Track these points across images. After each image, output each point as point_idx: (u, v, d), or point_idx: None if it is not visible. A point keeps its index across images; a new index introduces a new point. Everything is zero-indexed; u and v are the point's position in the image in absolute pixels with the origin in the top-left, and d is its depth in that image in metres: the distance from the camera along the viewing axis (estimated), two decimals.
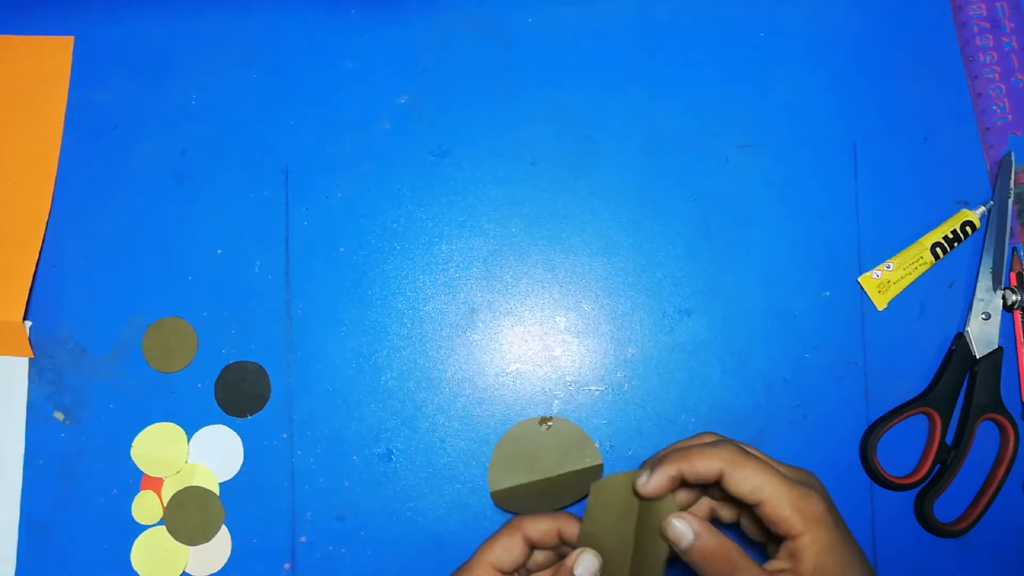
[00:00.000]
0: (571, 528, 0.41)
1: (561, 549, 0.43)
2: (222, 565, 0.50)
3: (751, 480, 0.38)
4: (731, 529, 0.45)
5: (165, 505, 0.50)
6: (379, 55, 0.53)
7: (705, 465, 0.38)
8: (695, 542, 0.37)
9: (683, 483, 0.39)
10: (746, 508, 0.40)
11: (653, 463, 0.40)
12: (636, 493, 0.39)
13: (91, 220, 0.52)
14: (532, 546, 0.42)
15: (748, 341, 0.51)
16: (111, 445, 0.50)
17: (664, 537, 0.38)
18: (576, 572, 0.39)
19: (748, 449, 0.41)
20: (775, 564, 0.38)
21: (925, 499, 0.50)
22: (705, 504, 0.44)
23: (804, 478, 0.40)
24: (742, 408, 0.51)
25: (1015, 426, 0.50)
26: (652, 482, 0.39)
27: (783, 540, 0.38)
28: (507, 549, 0.41)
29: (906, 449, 0.51)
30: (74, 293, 0.51)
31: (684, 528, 0.37)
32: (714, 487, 0.40)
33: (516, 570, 0.42)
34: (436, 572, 0.50)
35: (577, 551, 0.39)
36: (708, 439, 0.42)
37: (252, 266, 0.51)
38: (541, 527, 0.41)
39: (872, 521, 0.51)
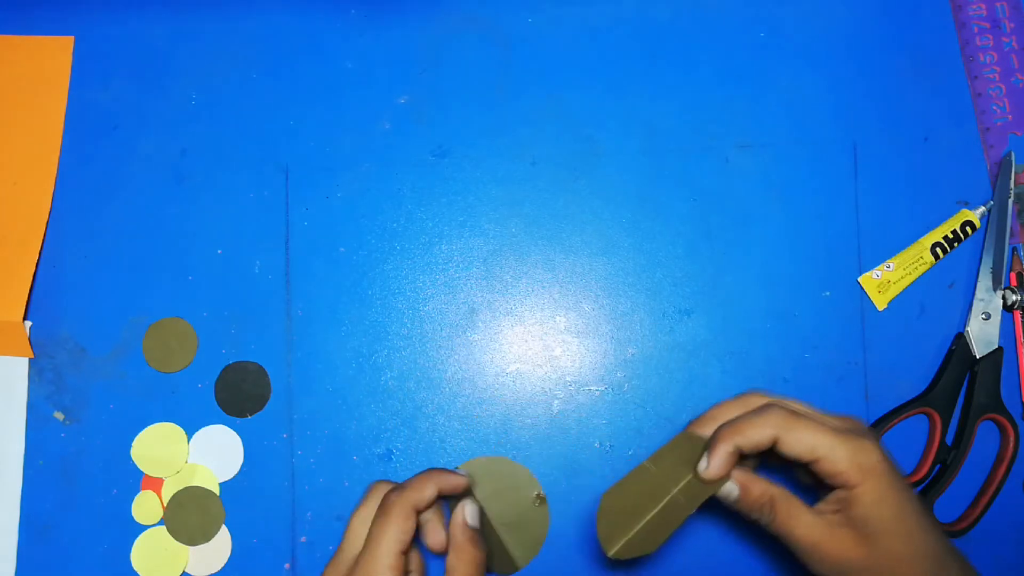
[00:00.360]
0: (444, 482, 0.42)
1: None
2: (222, 565, 0.50)
3: (805, 441, 0.38)
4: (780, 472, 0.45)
5: (165, 505, 0.50)
6: (379, 55, 0.53)
7: (759, 434, 0.39)
8: (741, 495, 0.39)
9: (742, 456, 0.40)
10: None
11: (707, 443, 0.40)
12: (697, 477, 0.40)
13: (91, 220, 0.52)
14: (419, 513, 0.42)
15: (748, 341, 0.51)
16: (111, 445, 0.50)
17: (725, 496, 0.40)
18: (471, 523, 0.42)
19: (794, 406, 0.41)
20: (825, 507, 0.39)
21: (925, 499, 0.50)
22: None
23: (855, 427, 0.40)
24: None
25: (1015, 426, 0.50)
26: (713, 468, 0.39)
27: (836, 488, 0.38)
28: (408, 530, 0.40)
29: (906, 449, 0.51)
30: (74, 293, 0.51)
31: (730, 485, 0.39)
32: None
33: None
34: (436, 572, 0.50)
35: (461, 503, 0.43)
36: (755, 401, 0.42)
37: (252, 266, 0.51)
38: (426, 496, 0.41)
39: None
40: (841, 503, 0.38)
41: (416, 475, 0.43)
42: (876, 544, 0.37)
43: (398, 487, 0.42)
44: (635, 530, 0.39)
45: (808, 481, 0.42)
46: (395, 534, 0.40)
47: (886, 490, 0.38)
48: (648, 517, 0.39)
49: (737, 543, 0.50)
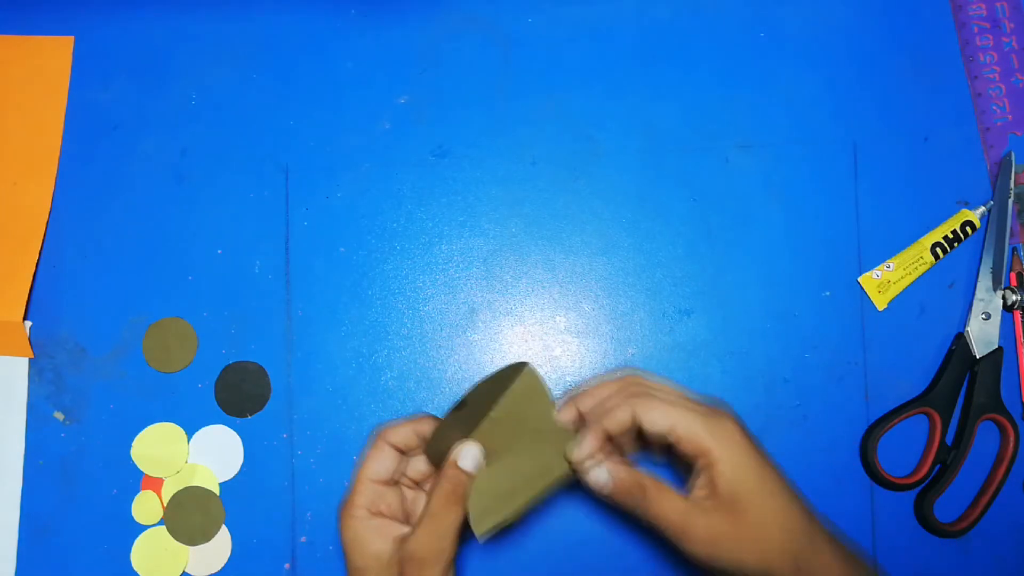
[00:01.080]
0: (426, 426, 0.42)
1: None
2: (222, 565, 0.50)
3: (662, 420, 0.39)
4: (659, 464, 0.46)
5: (165, 505, 0.50)
6: (379, 55, 0.53)
7: (622, 415, 0.40)
8: (612, 483, 0.39)
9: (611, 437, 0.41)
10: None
11: (580, 430, 0.41)
12: (566, 458, 0.41)
13: (91, 220, 0.52)
14: (401, 452, 0.42)
15: (748, 341, 0.51)
16: (111, 445, 0.50)
17: (586, 482, 0.40)
18: (461, 464, 0.40)
19: (653, 386, 0.42)
20: (695, 491, 0.39)
21: (925, 499, 0.50)
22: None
23: (713, 405, 0.41)
24: (742, 408, 0.51)
25: (1015, 426, 0.50)
26: (584, 450, 0.40)
27: (702, 468, 0.39)
28: (379, 460, 0.41)
29: (906, 449, 0.51)
30: (74, 293, 0.51)
31: (601, 474, 0.40)
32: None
33: (394, 477, 0.42)
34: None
35: (459, 445, 0.41)
36: (624, 380, 0.42)
37: (252, 266, 0.51)
38: (401, 434, 0.42)
39: (872, 521, 0.51)
40: (707, 482, 0.39)
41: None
42: (742, 515, 0.38)
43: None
44: (504, 515, 0.40)
45: (668, 460, 0.43)
46: (369, 462, 0.41)
47: (745, 459, 0.39)
48: (519, 505, 0.40)
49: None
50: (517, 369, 0.42)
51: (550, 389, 0.42)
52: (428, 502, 0.40)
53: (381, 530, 0.40)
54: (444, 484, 0.40)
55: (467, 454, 0.40)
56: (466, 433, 0.41)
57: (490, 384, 0.42)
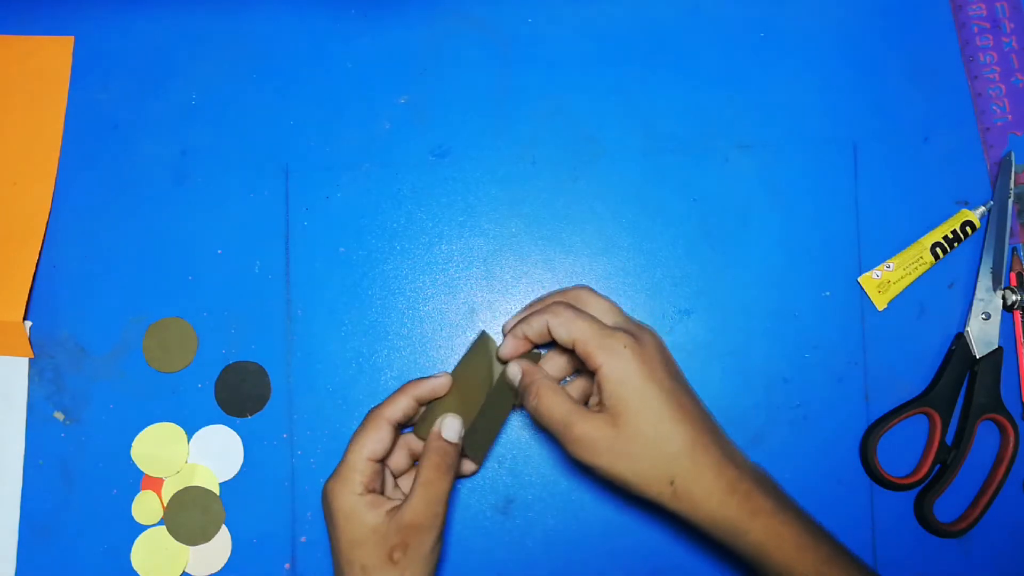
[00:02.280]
0: (422, 389, 0.44)
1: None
2: (222, 565, 0.50)
3: (566, 327, 0.41)
4: None
5: (165, 505, 0.50)
6: (379, 55, 0.53)
7: (538, 322, 0.43)
8: (522, 378, 0.43)
9: (532, 343, 0.44)
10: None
11: (508, 330, 0.45)
12: (497, 357, 0.46)
13: (91, 220, 0.52)
14: (398, 428, 0.44)
15: (748, 341, 0.51)
16: (111, 445, 0.50)
17: (507, 381, 0.44)
18: (445, 436, 0.43)
19: (583, 302, 0.45)
20: (590, 400, 0.42)
21: (925, 499, 0.50)
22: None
23: (626, 326, 0.43)
24: (742, 408, 0.51)
25: (1015, 426, 0.50)
26: (505, 348, 0.45)
27: (596, 379, 0.41)
28: (377, 441, 0.43)
29: (906, 449, 0.51)
30: (74, 293, 0.51)
31: (514, 368, 0.44)
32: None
33: (388, 455, 0.44)
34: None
35: (440, 417, 0.44)
36: (571, 294, 0.46)
37: (252, 266, 0.51)
38: (400, 406, 0.44)
39: (872, 521, 0.51)
40: (597, 391, 0.41)
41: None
42: (623, 423, 0.40)
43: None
44: (488, 445, 0.46)
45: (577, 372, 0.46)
46: (364, 441, 0.42)
47: (632, 375, 0.40)
48: (495, 432, 0.46)
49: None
50: (479, 339, 0.47)
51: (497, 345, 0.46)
52: (419, 472, 0.42)
53: (375, 505, 0.42)
54: (432, 455, 0.42)
55: (449, 426, 0.43)
56: (446, 405, 0.45)
57: (463, 361, 0.47)
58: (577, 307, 0.43)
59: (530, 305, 0.47)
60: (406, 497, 0.42)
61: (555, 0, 0.54)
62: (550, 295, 0.47)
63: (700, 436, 0.41)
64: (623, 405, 0.40)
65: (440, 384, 0.45)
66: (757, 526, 0.40)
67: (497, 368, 0.47)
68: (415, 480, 0.42)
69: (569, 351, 0.43)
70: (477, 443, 0.46)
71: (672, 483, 0.40)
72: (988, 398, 0.50)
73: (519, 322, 0.44)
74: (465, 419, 0.45)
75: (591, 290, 0.46)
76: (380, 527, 0.41)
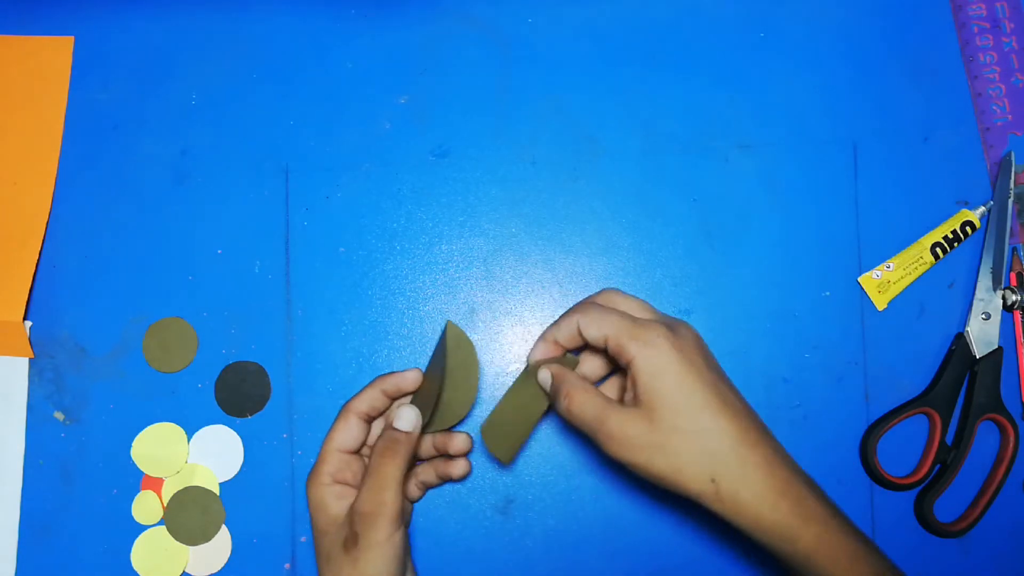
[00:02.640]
0: (387, 383, 0.44)
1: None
2: (222, 565, 0.50)
3: (597, 329, 0.40)
4: None
5: (165, 505, 0.50)
6: (379, 55, 0.53)
7: (568, 324, 0.41)
8: (552, 381, 0.41)
9: (564, 349, 0.43)
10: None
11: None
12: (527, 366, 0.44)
13: (91, 220, 0.52)
14: (367, 420, 0.44)
15: (748, 341, 0.51)
16: (111, 445, 0.50)
17: (542, 387, 0.42)
18: (397, 425, 0.42)
19: (612, 301, 0.43)
20: (622, 395, 0.41)
21: (925, 499, 0.50)
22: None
23: (661, 319, 0.41)
24: None
25: (1015, 426, 0.50)
26: (534, 353, 0.43)
27: (629, 373, 0.39)
28: (346, 431, 0.43)
29: (906, 449, 0.51)
30: (74, 293, 0.51)
31: (544, 373, 0.42)
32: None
33: (361, 447, 0.44)
34: (436, 572, 0.50)
35: (396, 405, 0.44)
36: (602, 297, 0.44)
37: (252, 266, 0.51)
38: (366, 399, 0.44)
39: (872, 521, 0.51)
40: (631, 385, 0.39)
41: None
42: (659, 418, 0.38)
43: None
44: (514, 441, 0.45)
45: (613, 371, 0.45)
46: (333, 434, 0.43)
47: (666, 365, 0.38)
48: (524, 431, 0.44)
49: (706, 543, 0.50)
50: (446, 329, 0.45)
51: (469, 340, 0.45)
52: (371, 458, 0.42)
53: (341, 495, 0.42)
54: (380, 443, 0.42)
55: (402, 415, 0.43)
56: (423, 397, 0.45)
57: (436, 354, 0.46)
58: (607, 306, 0.42)
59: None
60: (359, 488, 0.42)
61: (555, 0, 0.54)
62: (579, 303, 0.44)
63: (746, 432, 0.38)
64: (659, 398, 0.38)
65: (409, 379, 0.45)
66: (809, 534, 0.38)
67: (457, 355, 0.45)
68: (366, 470, 0.42)
69: (602, 352, 0.42)
70: (501, 440, 0.44)
71: (713, 481, 0.37)
72: (988, 398, 0.50)
73: (549, 327, 0.43)
74: (430, 409, 0.44)
75: (620, 291, 0.43)
76: (339, 517, 0.41)
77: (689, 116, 0.53)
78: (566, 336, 0.42)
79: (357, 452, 0.45)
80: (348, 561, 0.40)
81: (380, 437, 0.43)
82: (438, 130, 0.52)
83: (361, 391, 0.45)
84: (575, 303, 0.44)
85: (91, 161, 0.52)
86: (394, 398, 0.45)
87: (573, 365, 0.43)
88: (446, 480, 0.48)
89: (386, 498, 0.40)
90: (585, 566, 0.50)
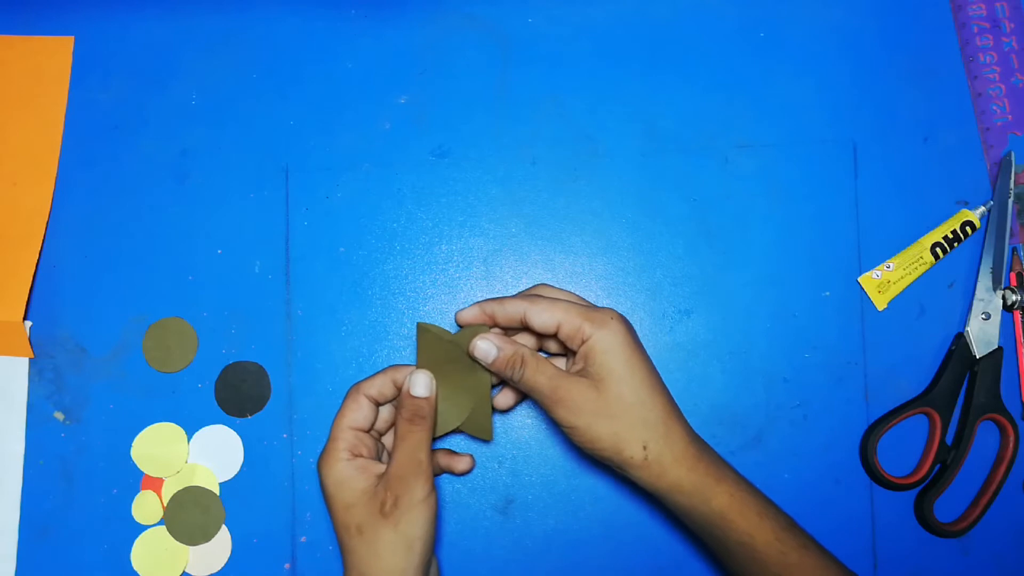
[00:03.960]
0: (401, 373, 0.46)
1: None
2: (222, 565, 0.50)
3: (549, 318, 0.43)
4: None
5: (165, 505, 0.50)
6: (379, 55, 0.53)
7: (513, 308, 0.44)
8: (497, 354, 0.44)
9: (502, 328, 0.46)
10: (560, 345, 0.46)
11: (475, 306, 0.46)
12: (457, 323, 0.46)
13: (91, 220, 0.52)
14: (376, 403, 0.45)
15: (748, 341, 0.51)
16: (111, 445, 0.50)
17: (474, 358, 0.44)
18: (413, 393, 0.44)
19: (549, 292, 0.46)
20: (571, 367, 0.45)
21: (925, 499, 0.50)
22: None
23: (605, 309, 0.45)
24: (742, 408, 0.51)
25: (1015, 426, 0.50)
26: (465, 314, 0.45)
27: (581, 350, 0.43)
28: (356, 410, 0.44)
29: (906, 449, 0.51)
30: (74, 293, 0.51)
31: (486, 345, 0.44)
32: (551, 339, 0.46)
33: (371, 428, 0.45)
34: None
35: (408, 373, 0.45)
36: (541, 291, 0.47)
37: (252, 266, 0.51)
38: (376, 383, 0.45)
39: (872, 521, 0.51)
40: (582, 358, 0.43)
41: None
42: (605, 388, 0.42)
43: None
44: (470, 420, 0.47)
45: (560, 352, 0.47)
46: (343, 412, 0.44)
47: (617, 344, 0.43)
48: (486, 408, 0.46)
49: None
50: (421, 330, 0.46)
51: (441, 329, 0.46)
52: (396, 428, 0.44)
53: (363, 469, 0.43)
54: (403, 411, 0.44)
55: (416, 382, 0.44)
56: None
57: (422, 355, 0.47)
58: (545, 294, 0.46)
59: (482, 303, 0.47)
60: (390, 457, 0.44)
61: (555, 0, 0.54)
62: (507, 297, 0.46)
63: (673, 408, 0.44)
64: (608, 372, 0.42)
65: (419, 383, 0.46)
66: (722, 492, 0.43)
67: (452, 353, 0.46)
68: (393, 438, 0.44)
69: (539, 336, 0.45)
70: (478, 423, 0.47)
71: (645, 447, 0.42)
72: (988, 398, 0.50)
73: (490, 300, 0.45)
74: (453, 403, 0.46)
75: (552, 286, 0.47)
76: (370, 488, 0.43)
77: (689, 116, 0.53)
78: (506, 317, 0.44)
79: (368, 430, 0.45)
80: (388, 525, 0.41)
81: (400, 407, 0.44)
82: (438, 130, 0.53)
83: (371, 376, 0.46)
84: (511, 293, 0.48)
85: (91, 161, 0.52)
86: (401, 387, 0.46)
87: (484, 331, 0.45)
88: (448, 471, 0.49)
89: (421, 457, 0.43)
90: (585, 566, 0.50)
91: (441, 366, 0.45)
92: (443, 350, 0.45)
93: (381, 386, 0.45)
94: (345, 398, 0.45)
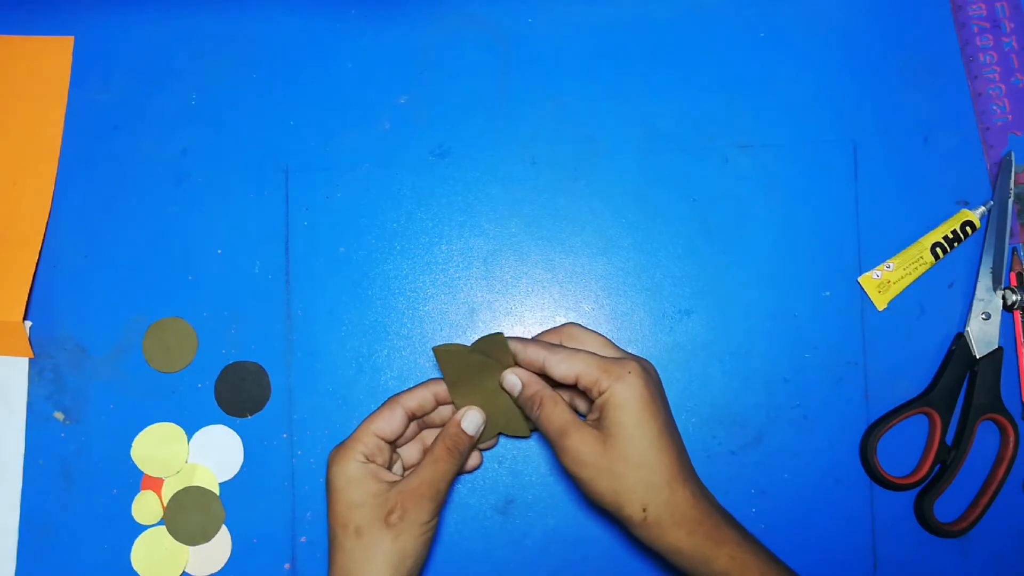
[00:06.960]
0: (441, 387, 0.46)
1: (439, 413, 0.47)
2: (222, 565, 0.50)
3: (565, 364, 0.43)
4: None
5: (165, 505, 0.50)
6: (379, 55, 0.53)
7: (535, 354, 0.44)
8: (524, 390, 0.44)
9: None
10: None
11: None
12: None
13: (91, 220, 0.52)
14: (411, 416, 0.45)
15: (748, 341, 0.51)
16: (111, 445, 0.50)
17: (505, 389, 0.45)
18: (463, 426, 0.45)
19: (575, 338, 0.46)
20: (588, 416, 0.44)
21: (925, 499, 0.50)
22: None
23: (623, 355, 0.45)
24: (742, 408, 0.51)
25: (1015, 426, 0.50)
26: (507, 382, 0.45)
27: (598, 401, 0.43)
28: (389, 420, 0.44)
29: (906, 449, 0.51)
30: (74, 293, 0.51)
31: (513, 379, 0.44)
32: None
33: (396, 439, 0.45)
34: (436, 573, 0.50)
35: (464, 408, 0.45)
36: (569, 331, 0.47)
37: (252, 266, 0.51)
38: (417, 396, 0.45)
39: (872, 521, 0.51)
40: (597, 409, 0.43)
41: None
42: (613, 445, 0.41)
43: None
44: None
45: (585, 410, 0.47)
46: (374, 418, 0.44)
47: (632, 400, 0.42)
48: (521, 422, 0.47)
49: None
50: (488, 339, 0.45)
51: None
52: (432, 448, 0.44)
53: (374, 474, 0.43)
54: (448, 439, 0.44)
55: (470, 419, 0.45)
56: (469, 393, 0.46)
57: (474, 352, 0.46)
58: (572, 346, 0.45)
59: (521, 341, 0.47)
60: (414, 468, 0.44)
61: (555, 0, 0.54)
62: (541, 334, 0.47)
63: (680, 470, 0.42)
64: (618, 428, 0.41)
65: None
66: (723, 555, 0.42)
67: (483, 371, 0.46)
68: (428, 453, 0.44)
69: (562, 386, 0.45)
70: (516, 425, 0.47)
71: (644, 509, 0.41)
72: (988, 398, 0.50)
73: (514, 340, 0.45)
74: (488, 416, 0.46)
75: (581, 326, 0.46)
76: (380, 493, 0.43)
77: (689, 116, 0.53)
78: (526, 362, 0.44)
79: (391, 441, 0.45)
80: (389, 534, 0.42)
81: (445, 433, 0.45)
82: (438, 130, 0.53)
83: (413, 388, 0.46)
84: (543, 331, 0.47)
85: (91, 161, 0.52)
86: (442, 403, 0.46)
87: (501, 339, 0.44)
88: None
89: (441, 487, 0.43)
90: (585, 566, 0.50)
91: (470, 379, 0.45)
92: (466, 363, 0.45)
93: (422, 399, 0.45)
94: (382, 406, 0.45)
